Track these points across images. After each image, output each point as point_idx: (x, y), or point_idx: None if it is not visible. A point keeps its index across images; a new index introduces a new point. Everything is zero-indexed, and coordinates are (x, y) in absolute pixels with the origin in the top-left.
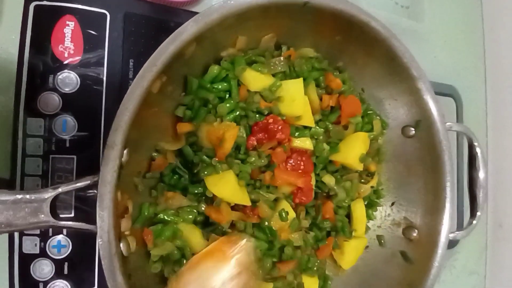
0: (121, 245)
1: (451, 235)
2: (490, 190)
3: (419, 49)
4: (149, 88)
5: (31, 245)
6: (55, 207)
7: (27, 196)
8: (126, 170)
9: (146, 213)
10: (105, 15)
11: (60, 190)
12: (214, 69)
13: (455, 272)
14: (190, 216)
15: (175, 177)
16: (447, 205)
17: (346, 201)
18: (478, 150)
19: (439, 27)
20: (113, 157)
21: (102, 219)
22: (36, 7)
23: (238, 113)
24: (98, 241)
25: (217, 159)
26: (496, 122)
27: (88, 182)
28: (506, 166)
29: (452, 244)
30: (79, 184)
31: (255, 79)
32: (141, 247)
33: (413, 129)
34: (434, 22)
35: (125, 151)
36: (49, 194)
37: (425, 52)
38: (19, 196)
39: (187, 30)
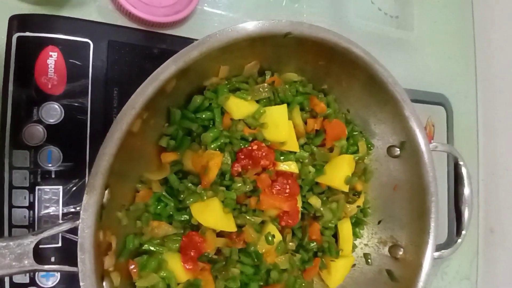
0: (104, 283)
1: (436, 254)
2: (481, 196)
3: (409, 58)
4: (129, 129)
5: (21, 275)
6: (38, 252)
7: (11, 244)
8: (109, 207)
9: (131, 246)
10: (88, 44)
11: (41, 236)
12: (197, 99)
13: (446, 278)
14: (176, 245)
15: (160, 206)
16: (432, 225)
17: (333, 221)
18: (464, 170)
19: (428, 36)
20: (92, 201)
21: (83, 262)
22: (18, 38)
23: (222, 141)
24: (81, 283)
25: (202, 186)
26: (487, 129)
27: (70, 226)
28: (496, 172)
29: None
30: (60, 228)
31: (239, 107)
32: (126, 280)
33: (398, 149)
34: (423, 31)
35: (106, 192)
36: (31, 239)
37: (415, 61)
38: (2, 244)
39: (166, 70)
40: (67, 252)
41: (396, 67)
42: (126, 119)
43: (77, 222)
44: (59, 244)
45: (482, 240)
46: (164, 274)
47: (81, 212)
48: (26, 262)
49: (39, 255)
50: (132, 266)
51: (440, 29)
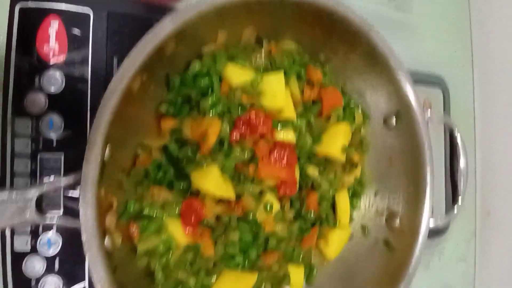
0: (106, 240)
1: (432, 223)
2: (478, 178)
3: (407, 40)
4: (129, 87)
5: (22, 243)
6: (41, 205)
7: (13, 195)
8: (109, 167)
9: (131, 209)
10: (88, 14)
11: (44, 189)
12: (196, 65)
13: (443, 259)
14: (176, 210)
15: (160, 173)
16: (427, 194)
17: (330, 192)
18: (459, 139)
19: (426, 18)
20: (94, 155)
21: (85, 215)
22: (21, 9)
23: (220, 108)
24: (82, 238)
25: (201, 153)
26: (484, 111)
27: (71, 180)
28: (493, 154)
29: (440, 232)
30: (64, 182)
31: (237, 74)
32: (127, 242)
33: (394, 120)
34: (421, 13)
35: (107, 149)
36: (34, 192)
37: (412, 43)
38: (5, 196)
39: (164, 29)
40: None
41: (394, 48)
42: (127, 75)
43: (79, 177)
44: (61, 212)
45: (479, 223)
46: (165, 237)
47: (83, 165)
48: (28, 214)
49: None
50: (133, 229)
51: (438, 11)
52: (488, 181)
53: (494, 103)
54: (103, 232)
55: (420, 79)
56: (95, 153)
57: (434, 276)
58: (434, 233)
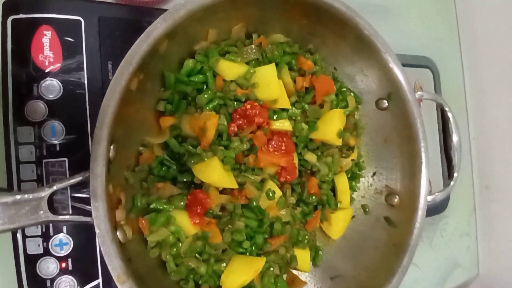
0: (118, 233)
1: (430, 197)
2: (474, 154)
3: (393, 24)
4: (128, 85)
5: (34, 246)
6: (52, 204)
7: (26, 196)
8: (115, 165)
9: (139, 204)
10: (80, 21)
11: (55, 187)
12: (189, 63)
13: (446, 235)
14: (182, 203)
15: (163, 169)
16: (423, 169)
17: (329, 175)
18: (449, 114)
19: (410, 0)
20: (100, 152)
21: (97, 209)
22: (13, 20)
23: (216, 102)
24: (96, 230)
25: (201, 147)
26: (474, 88)
27: (80, 178)
28: (487, 130)
29: (440, 209)
30: (73, 181)
31: (230, 69)
32: (138, 235)
33: (385, 101)
34: None
35: (111, 147)
36: (45, 192)
37: (399, 27)
38: (18, 197)
39: (157, 28)
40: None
41: (381, 33)
42: (125, 74)
43: (87, 174)
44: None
45: (478, 197)
46: (173, 228)
47: (90, 163)
48: (41, 213)
49: (54, 208)
50: (143, 222)
51: None
52: (484, 156)
53: (483, 79)
54: (114, 226)
55: (409, 62)
56: (101, 150)
57: (438, 252)
58: (434, 210)
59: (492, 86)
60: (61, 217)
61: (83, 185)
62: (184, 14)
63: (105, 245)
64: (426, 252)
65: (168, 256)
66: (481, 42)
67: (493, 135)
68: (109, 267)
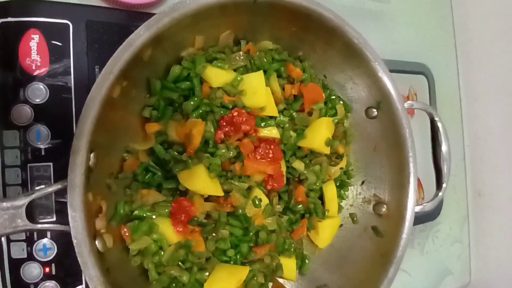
0: (97, 242)
1: (418, 208)
2: (468, 161)
3: (387, 29)
4: (109, 94)
5: (19, 250)
6: (31, 212)
7: (4, 204)
8: (96, 173)
9: (121, 211)
10: (67, 25)
11: (33, 196)
12: (176, 69)
13: (438, 242)
14: (166, 210)
15: (148, 175)
16: (411, 180)
17: (317, 184)
18: (439, 124)
19: (405, 6)
20: (78, 162)
21: (74, 219)
22: (1, 24)
23: (203, 109)
24: (73, 240)
25: (187, 154)
26: (469, 96)
27: (59, 186)
28: (481, 137)
29: (433, 215)
30: (51, 189)
31: (217, 75)
32: (119, 243)
33: (375, 110)
34: (400, 2)
35: (91, 155)
36: (23, 200)
37: (393, 32)
38: None
39: (140, 37)
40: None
41: (375, 39)
42: (106, 83)
43: (66, 183)
44: (54, 219)
45: (471, 204)
46: (156, 237)
47: (68, 173)
48: (19, 221)
49: (32, 217)
50: (124, 230)
51: None
52: (477, 163)
53: (478, 86)
54: (93, 235)
55: (403, 69)
56: (79, 159)
57: (430, 259)
58: (427, 217)
59: (487, 93)
60: (39, 226)
61: (62, 191)
62: (168, 22)
63: (82, 256)
64: (417, 259)
65: (150, 264)
66: (477, 49)
67: (486, 143)
68: (86, 278)
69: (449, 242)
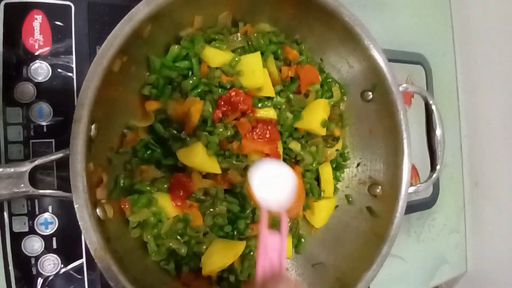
0: (97, 210)
1: (412, 188)
2: (465, 150)
3: (385, 18)
4: (110, 67)
5: (20, 224)
6: (34, 179)
7: (8, 170)
8: (97, 144)
9: (121, 184)
10: (69, 6)
11: (36, 162)
12: (175, 49)
13: (434, 231)
14: (165, 186)
15: (148, 152)
16: (405, 160)
17: (313, 164)
18: (433, 107)
19: None
20: (80, 130)
21: (75, 185)
22: (6, 5)
23: (201, 88)
24: (74, 205)
25: (186, 132)
26: (467, 86)
27: (62, 154)
28: (478, 127)
29: (429, 203)
30: (54, 157)
31: (215, 56)
32: (119, 216)
33: (370, 93)
34: None
35: (92, 126)
36: (27, 166)
37: (391, 22)
38: (0, 170)
39: (140, 11)
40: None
41: (373, 28)
42: (107, 55)
43: (68, 151)
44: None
45: (468, 194)
46: (155, 210)
47: (70, 140)
48: (22, 185)
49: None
50: (125, 203)
51: None
52: (475, 153)
53: (476, 76)
54: (94, 203)
55: (401, 58)
56: (81, 128)
57: (426, 248)
58: (423, 205)
59: (485, 84)
60: (41, 191)
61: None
62: None
63: (83, 219)
64: (413, 246)
65: (149, 236)
66: (475, 39)
67: (484, 133)
68: (87, 241)
69: (446, 232)
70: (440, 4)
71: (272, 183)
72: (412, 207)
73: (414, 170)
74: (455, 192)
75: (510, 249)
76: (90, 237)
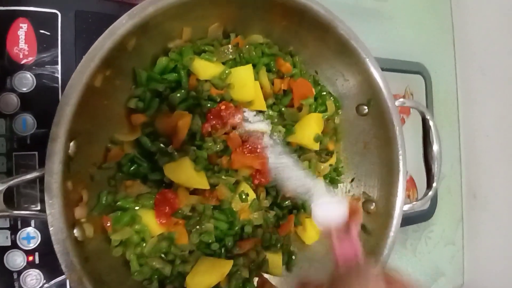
0: (75, 231)
1: (407, 206)
2: (463, 162)
3: (385, 28)
4: (90, 82)
5: (2, 238)
6: (10, 198)
7: None
8: (77, 161)
9: (104, 201)
10: (56, 14)
11: (10, 183)
12: (163, 61)
13: (430, 243)
14: (150, 202)
15: (134, 167)
16: (400, 178)
17: None
18: (431, 123)
19: (403, 4)
20: (57, 149)
21: (51, 207)
22: None
23: (189, 102)
24: (49, 228)
25: (173, 146)
26: (466, 97)
27: (37, 174)
28: (477, 139)
29: (426, 216)
30: (29, 176)
31: (204, 68)
32: (101, 233)
33: (366, 107)
34: (398, 0)
35: (71, 143)
36: (0, 187)
37: (391, 31)
38: None
39: (122, 25)
40: None
41: (372, 38)
42: (86, 71)
43: (43, 171)
44: (39, 208)
45: (466, 206)
46: (138, 228)
47: (45, 160)
48: None
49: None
50: (106, 221)
51: None
52: (473, 165)
53: (477, 87)
54: (72, 223)
55: (401, 68)
56: (57, 147)
57: (422, 260)
58: (420, 217)
59: (484, 95)
60: (15, 212)
61: (40, 178)
62: (152, 11)
63: (58, 243)
64: (409, 259)
65: (132, 255)
66: (476, 50)
67: (482, 145)
68: (62, 266)
69: (443, 244)
70: (441, 13)
71: (330, 216)
72: (410, 219)
73: (411, 181)
74: (453, 204)
75: (507, 262)
76: (65, 261)
